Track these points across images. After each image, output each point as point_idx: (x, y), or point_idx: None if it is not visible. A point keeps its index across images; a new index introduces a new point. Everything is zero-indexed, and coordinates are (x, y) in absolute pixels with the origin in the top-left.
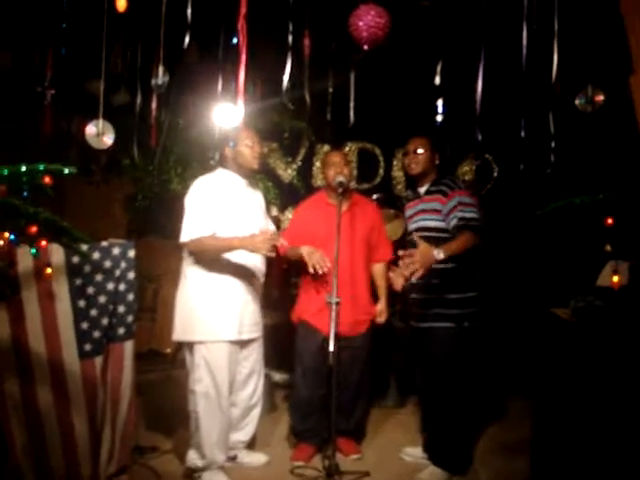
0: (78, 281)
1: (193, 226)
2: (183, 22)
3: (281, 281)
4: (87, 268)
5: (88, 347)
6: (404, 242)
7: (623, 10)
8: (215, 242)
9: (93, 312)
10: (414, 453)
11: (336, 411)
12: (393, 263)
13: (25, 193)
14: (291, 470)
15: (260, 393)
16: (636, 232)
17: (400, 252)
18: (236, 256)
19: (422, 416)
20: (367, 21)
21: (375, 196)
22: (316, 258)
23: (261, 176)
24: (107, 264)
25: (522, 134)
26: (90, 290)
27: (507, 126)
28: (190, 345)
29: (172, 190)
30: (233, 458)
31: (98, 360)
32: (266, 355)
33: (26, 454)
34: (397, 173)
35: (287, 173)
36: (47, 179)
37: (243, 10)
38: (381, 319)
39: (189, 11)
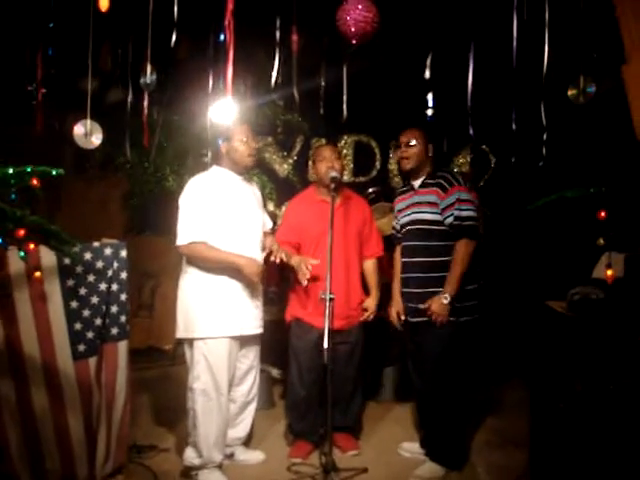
0: (70, 282)
1: (188, 230)
2: (173, 19)
3: (279, 277)
4: (79, 269)
5: (82, 348)
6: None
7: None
8: (211, 254)
9: (86, 313)
10: (412, 448)
11: (333, 408)
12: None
13: (13, 196)
14: (288, 467)
15: (257, 389)
16: (631, 224)
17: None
18: (236, 250)
19: (418, 411)
20: (355, 15)
21: (371, 189)
22: (303, 271)
23: (257, 171)
24: (99, 264)
25: (513, 127)
26: (82, 291)
27: (500, 119)
28: (190, 342)
29: (168, 187)
30: (230, 456)
31: (92, 361)
32: (265, 351)
33: (21, 456)
34: (393, 166)
35: (283, 168)
36: (35, 181)
37: (230, 6)
38: (370, 316)
39: (175, 8)
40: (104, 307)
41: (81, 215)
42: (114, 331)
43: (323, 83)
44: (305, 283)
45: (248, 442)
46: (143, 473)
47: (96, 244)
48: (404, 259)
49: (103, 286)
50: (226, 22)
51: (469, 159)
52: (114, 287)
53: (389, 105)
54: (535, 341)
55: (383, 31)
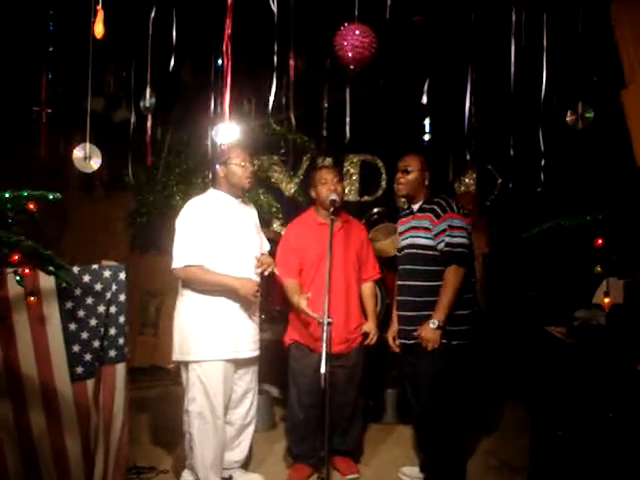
0: (69, 304)
1: (184, 253)
2: (177, 42)
3: (282, 296)
4: (78, 291)
5: (80, 370)
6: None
7: (614, 23)
8: (207, 277)
9: (84, 335)
10: (412, 473)
11: (332, 431)
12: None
13: (10, 220)
14: None
15: (255, 411)
16: (631, 250)
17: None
18: (233, 273)
19: (416, 434)
20: (352, 41)
21: (376, 210)
22: (311, 315)
23: (262, 190)
24: (98, 287)
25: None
26: (81, 313)
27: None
28: (186, 364)
29: (174, 206)
30: (228, 478)
31: (90, 383)
32: (266, 371)
33: (19, 478)
34: None
35: (289, 187)
36: (31, 205)
37: (228, 31)
38: (372, 341)
39: (174, 33)
40: (102, 329)
41: (87, 234)
42: (112, 353)
43: (326, 104)
44: (315, 316)
45: (247, 464)
46: None
47: (95, 266)
48: (399, 282)
49: (102, 308)
50: (224, 47)
51: (474, 178)
52: (112, 309)
53: (395, 125)
54: (534, 366)
55: (388, 53)
